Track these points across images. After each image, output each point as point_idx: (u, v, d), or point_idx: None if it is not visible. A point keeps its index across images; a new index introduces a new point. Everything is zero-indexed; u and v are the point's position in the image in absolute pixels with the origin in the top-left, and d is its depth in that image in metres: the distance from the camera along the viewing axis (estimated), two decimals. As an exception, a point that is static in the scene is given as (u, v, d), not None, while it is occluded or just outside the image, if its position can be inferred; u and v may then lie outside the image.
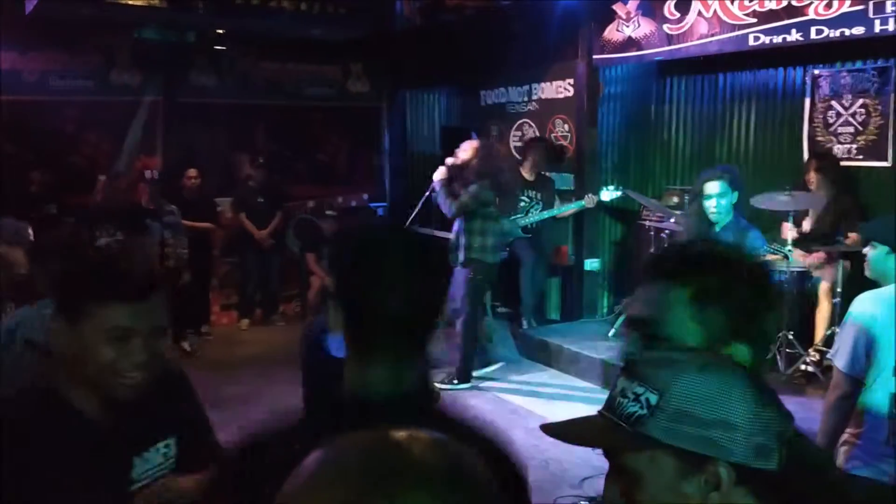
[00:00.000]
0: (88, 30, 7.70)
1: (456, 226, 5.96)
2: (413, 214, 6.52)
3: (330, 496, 0.64)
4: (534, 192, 7.06)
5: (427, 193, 6.34)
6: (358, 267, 1.22)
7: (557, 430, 1.07)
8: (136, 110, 8.36)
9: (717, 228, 4.17)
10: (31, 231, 3.48)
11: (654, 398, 0.96)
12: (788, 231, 5.35)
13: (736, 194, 4.20)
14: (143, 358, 1.48)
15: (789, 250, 4.67)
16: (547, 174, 7.28)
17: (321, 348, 2.31)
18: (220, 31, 8.47)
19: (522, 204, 7.02)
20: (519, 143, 7.90)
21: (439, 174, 5.99)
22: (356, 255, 1.23)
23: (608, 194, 6.86)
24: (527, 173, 7.12)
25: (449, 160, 5.97)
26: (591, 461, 4.18)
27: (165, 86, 8.51)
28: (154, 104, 8.45)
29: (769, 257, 4.20)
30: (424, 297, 1.22)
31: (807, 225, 5.57)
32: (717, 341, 1.21)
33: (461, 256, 5.85)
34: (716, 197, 4.13)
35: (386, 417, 1.02)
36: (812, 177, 5.55)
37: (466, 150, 5.88)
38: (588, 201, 6.77)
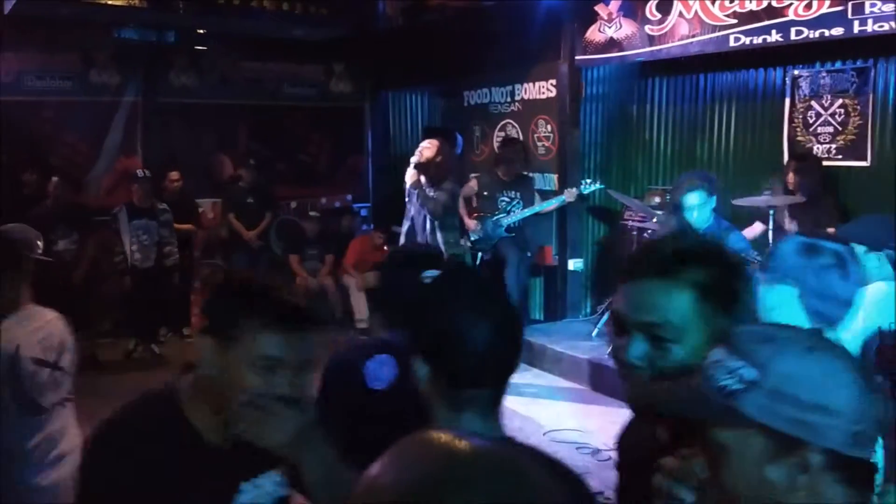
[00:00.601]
0: (67, 29, 7.61)
1: (428, 225, 6.15)
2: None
3: (383, 498, 0.67)
4: (513, 193, 7.06)
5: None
6: (443, 324, 1.24)
7: (647, 397, 1.04)
8: (115, 111, 8.27)
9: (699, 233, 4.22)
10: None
11: (751, 374, 0.93)
12: (759, 230, 5.40)
13: (714, 199, 4.25)
14: (288, 391, 1.43)
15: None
16: (527, 174, 7.29)
17: (351, 379, 2.16)
18: (201, 31, 8.41)
19: (503, 204, 7.03)
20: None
21: (411, 177, 6.26)
22: (439, 312, 1.26)
23: (588, 186, 6.89)
24: (503, 175, 7.12)
25: (413, 159, 6.27)
26: (574, 461, 4.18)
27: (145, 86, 8.42)
28: (134, 104, 8.36)
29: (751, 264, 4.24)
30: (507, 346, 1.25)
31: (791, 226, 5.59)
32: (718, 335, 1.18)
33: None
34: (697, 208, 4.18)
35: None
36: (791, 178, 5.58)
37: (430, 149, 6.20)
38: (568, 195, 6.80)
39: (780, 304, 1.80)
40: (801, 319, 1.76)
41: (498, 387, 1.26)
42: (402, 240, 6.49)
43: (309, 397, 1.52)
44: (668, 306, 1.18)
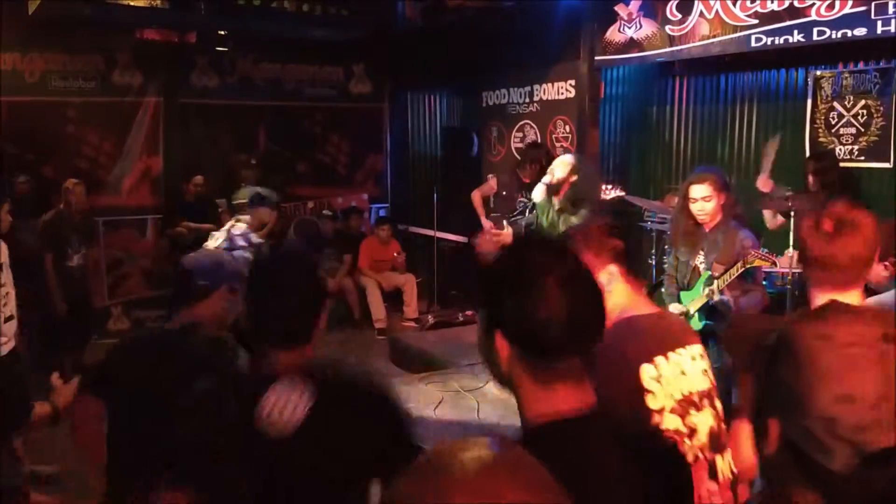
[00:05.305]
0: (90, 30, 7.69)
1: None
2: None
3: None
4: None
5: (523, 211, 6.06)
6: (527, 293, 1.17)
7: None
8: (137, 111, 8.35)
9: (707, 229, 4.12)
10: None
11: None
12: (780, 222, 5.38)
13: (724, 196, 4.11)
14: None
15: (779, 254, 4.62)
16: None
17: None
18: (222, 32, 8.46)
19: (520, 205, 7.01)
20: (520, 145, 7.90)
21: (540, 195, 5.40)
22: (521, 281, 1.18)
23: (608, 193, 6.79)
24: (525, 177, 7.09)
25: (546, 179, 5.37)
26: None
27: (166, 87, 8.50)
28: (155, 105, 8.44)
29: (757, 263, 4.06)
30: (590, 312, 1.19)
31: None
32: None
33: None
34: (700, 200, 4.02)
35: (581, 438, 1.15)
36: (810, 178, 5.52)
37: (562, 168, 5.31)
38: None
39: None
40: None
41: (584, 355, 1.20)
42: None
43: None
44: None
